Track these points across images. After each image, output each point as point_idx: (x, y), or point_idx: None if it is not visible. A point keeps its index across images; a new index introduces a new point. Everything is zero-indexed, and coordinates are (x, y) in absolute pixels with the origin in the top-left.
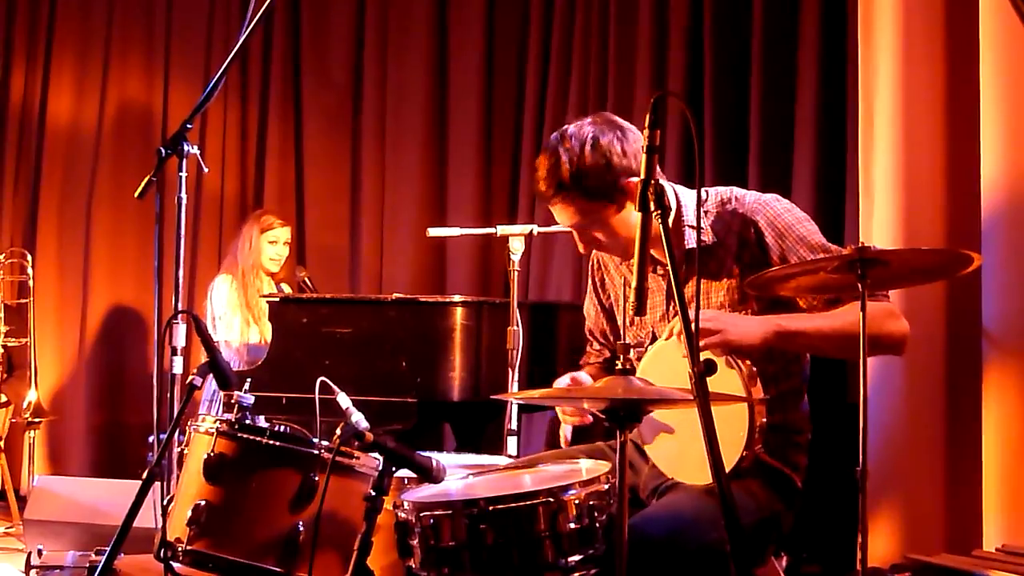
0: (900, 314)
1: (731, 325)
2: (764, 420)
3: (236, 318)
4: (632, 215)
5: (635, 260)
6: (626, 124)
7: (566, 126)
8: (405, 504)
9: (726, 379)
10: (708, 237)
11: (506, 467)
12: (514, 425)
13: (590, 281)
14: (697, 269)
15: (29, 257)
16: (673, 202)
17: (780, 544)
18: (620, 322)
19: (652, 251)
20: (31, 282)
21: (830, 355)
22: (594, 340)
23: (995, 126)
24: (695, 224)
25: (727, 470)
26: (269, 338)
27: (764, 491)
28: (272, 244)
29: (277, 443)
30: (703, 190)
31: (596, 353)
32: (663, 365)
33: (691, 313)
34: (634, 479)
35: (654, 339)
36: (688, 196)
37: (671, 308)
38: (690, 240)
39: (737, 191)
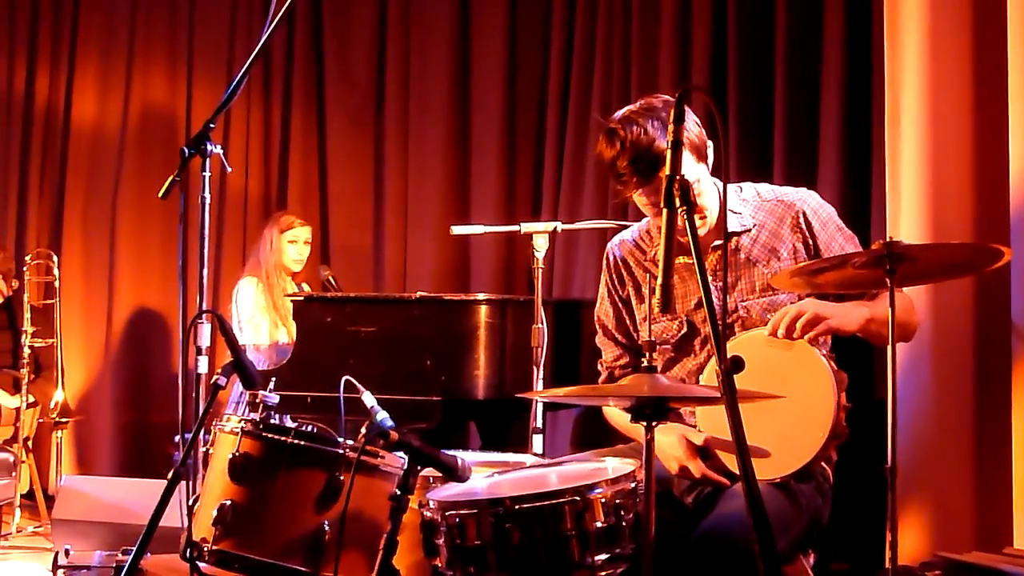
0: None
1: (833, 311)
2: (845, 427)
3: (264, 320)
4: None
5: (660, 256)
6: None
7: (636, 105)
8: (431, 503)
9: (816, 378)
10: (747, 222)
11: (532, 465)
12: (539, 423)
13: (605, 281)
14: (724, 255)
15: (55, 258)
16: (715, 192)
17: (812, 541)
18: (640, 316)
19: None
20: (57, 283)
21: (880, 342)
22: (614, 345)
23: (1023, 117)
24: (736, 210)
25: (798, 467)
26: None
27: (807, 490)
28: (292, 244)
29: (302, 443)
30: (738, 185)
31: (616, 365)
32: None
33: (731, 303)
34: (666, 475)
35: (690, 328)
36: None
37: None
38: (732, 224)
39: (769, 185)
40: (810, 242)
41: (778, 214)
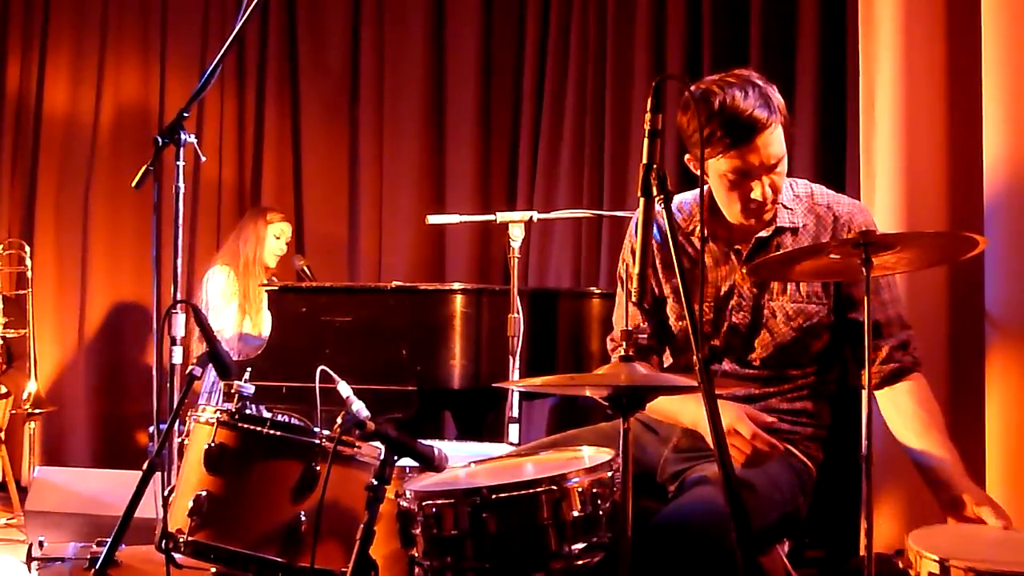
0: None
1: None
2: None
3: (230, 307)
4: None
5: (638, 246)
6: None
7: (726, 73)
8: (407, 493)
9: None
10: (797, 220)
11: (508, 455)
12: (515, 413)
13: (633, 247)
14: (701, 246)
15: (27, 248)
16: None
17: (783, 532)
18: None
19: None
20: (29, 273)
21: None
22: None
23: (997, 108)
24: (788, 205)
25: None
26: (263, 329)
27: (789, 486)
28: (277, 239)
29: (278, 433)
30: (794, 180)
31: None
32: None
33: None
34: (649, 462)
35: (716, 315)
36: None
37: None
38: (783, 219)
39: (824, 188)
40: None
41: (824, 223)
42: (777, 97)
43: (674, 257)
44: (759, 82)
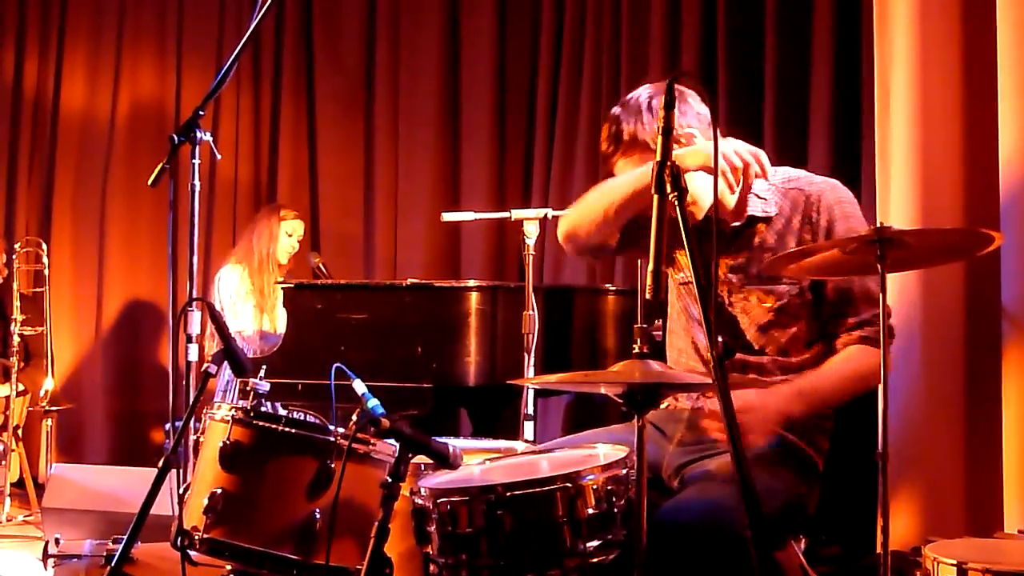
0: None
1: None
2: None
3: (247, 307)
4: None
5: (652, 242)
6: (686, 89)
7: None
8: (422, 490)
9: None
10: (771, 209)
11: (523, 452)
12: (530, 410)
13: None
14: (714, 240)
15: (44, 246)
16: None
17: (800, 526)
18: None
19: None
20: (47, 271)
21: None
22: None
23: (1013, 102)
24: (761, 195)
25: None
26: (279, 327)
27: (790, 474)
28: (289, 236)
29: (293, 430)
30: (772, 168)
31: None
32: None
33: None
34: (656, 460)
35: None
36: None
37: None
38: (755, 209)
39: (804, 172)
40: (816, 239)
41: (796, 204)
42: (636, 120)
43: (687, 250)
44: (626, 108)
